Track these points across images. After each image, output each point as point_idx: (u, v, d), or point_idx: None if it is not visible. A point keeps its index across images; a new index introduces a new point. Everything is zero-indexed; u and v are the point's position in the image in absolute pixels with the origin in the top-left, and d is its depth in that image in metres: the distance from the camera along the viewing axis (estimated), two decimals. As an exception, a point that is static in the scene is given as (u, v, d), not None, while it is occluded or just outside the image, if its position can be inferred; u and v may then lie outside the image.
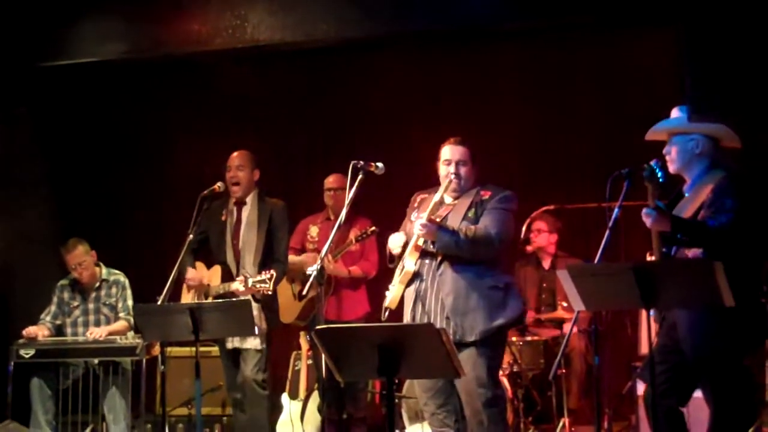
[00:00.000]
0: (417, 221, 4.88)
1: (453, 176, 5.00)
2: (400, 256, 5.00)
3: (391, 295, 4.99)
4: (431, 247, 4.92)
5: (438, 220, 4.92)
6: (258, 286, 5.61)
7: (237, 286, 5.71)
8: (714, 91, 6.54)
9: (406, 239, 5.01)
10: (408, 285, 4.98)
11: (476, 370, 4.84)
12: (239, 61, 7.97)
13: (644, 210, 4.44)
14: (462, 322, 4.85)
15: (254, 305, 5.72)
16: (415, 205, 5.18)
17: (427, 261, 4.95)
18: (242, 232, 5.99)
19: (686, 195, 4.66)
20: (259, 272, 5.76)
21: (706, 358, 4.45)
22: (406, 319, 4.99)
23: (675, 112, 4.78)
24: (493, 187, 5.02)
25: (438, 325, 4.68)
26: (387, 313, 5.02)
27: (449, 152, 5.06)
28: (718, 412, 4.48)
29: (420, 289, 4.95)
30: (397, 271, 5.03)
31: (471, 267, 4.87)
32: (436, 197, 5.01)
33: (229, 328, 5.26)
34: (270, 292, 5.62)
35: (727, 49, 6.56)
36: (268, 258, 5.92)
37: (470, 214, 4.93)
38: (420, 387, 5.10)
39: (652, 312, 4.48)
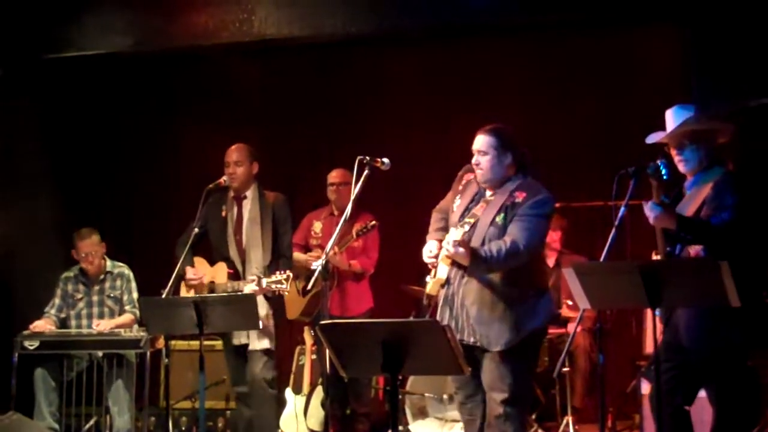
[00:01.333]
0: (449, 237, 4.60)
1: (475, 167, 4.78)
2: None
3: (429, 287, 4.77)
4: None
5: (466, 228, 4.67)
6: (274, 287, 5.56)
7: (250, 287, 5.66)
8: (720, 86, 6.55)
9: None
10: None
11: (500, 369, 4.68)
12: (246, 54, 7.97)
13: (648, 204, 4.43)
14: (487, 333, 4.66)
15: (264, 304, 5.72)
16: (460, 187, 4.93)
17: (455, 267, 4.73)
18: (245, 227, 5.95)
19: (687, 193, 4.65)
20: (268, 269, 5.76)
21: (708, 358, 4.46)
22: None
23: (669, 114, 4.75)
24: (529, 187, 4.71)
25: (465, 333, 4.70)
26: (428, 303, 4.89)
27: (474, 142, 4.81)
28: (721, 413, 4.48)
29: (447, 295, 4.79)
30: (432, 272, 4.80)
31: (498, 277, 4.66)
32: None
33: (233, 322, 5.25)
34: (287, 293, 5.60)
35: (732, 44, 6.56)
36: (274, 254, 5.90)
37: (498, 219, 4.66)
38: (451, 377, 5.06)
39: (657, 311, 4.48)
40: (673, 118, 4.70)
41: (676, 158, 4.63)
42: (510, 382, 4.67)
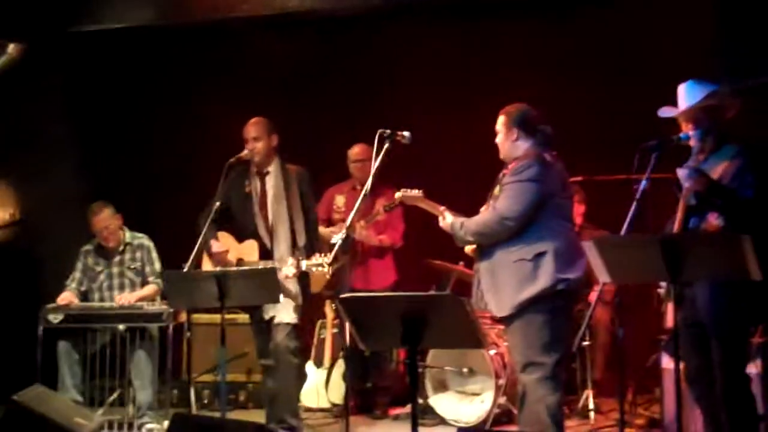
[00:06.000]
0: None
1: None
2: None
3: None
4: None
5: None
6: (315, 269, 5.49)
7: (288, 270, 5.63)
8: (744, 59, 6.48)
9: None
10: None
11: (513, 340, 4.99)
12: (267, 27, 7.94)
13: (682, 170, 4.42)
14: (495, 299, 4.90)
15: (294, 282, 5.72)
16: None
17: None
18: (270, 203, 5.93)
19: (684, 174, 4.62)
20: (304, 250, 5.75)
21: (727, 331, 4.46)
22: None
23: (681, 90, 4.71)
24: (520, 161, 4.93)
25: (482, 302, 4.94)
26: None
27: None
28: (728, 379, 4.48)
29: (477, 268, 5.05)
30: None
31: (500, 243, 4.89)
32: None
33: (254, 296, 5.25)
34: (329, 277, 5.60)
35: (758, 11, 6.48)
36: (308, 233, 5.88)
37: (496, 192, 4.98)
38: None
39: (661, 289, 4.50)
40: (685, 94, 4.67)
41: (689, 133, 4.60)
42: (521, 349, 4.88)
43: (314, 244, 5.86)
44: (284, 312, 5.78)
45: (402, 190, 5.40)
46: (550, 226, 4.85)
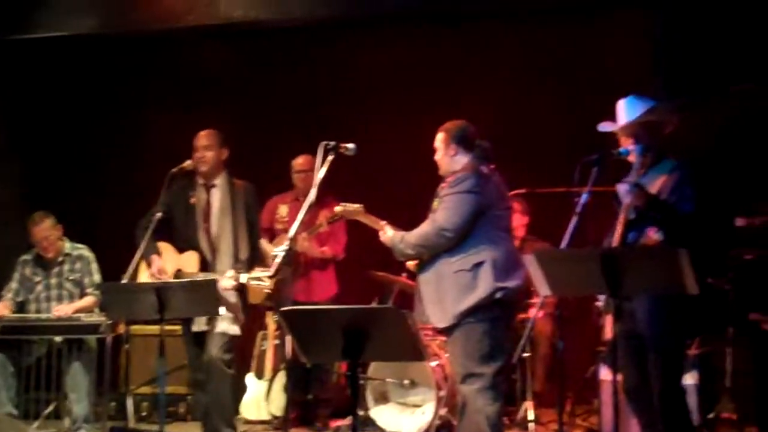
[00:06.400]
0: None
1: None
2: None
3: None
4: None
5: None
6: (255, 283, 5.47)
7: (227, 282, 5.56)
8: (683, 72, 6.61)
9: None
10: None
11: (453, 351, 5.04)
12: (212, 37, 7.90)
13: (623, 185, 4.49)
14: (436, 310, 4.95)
15: (233, 294, 5.66)
16: None
17: None
18: (214, 216, 5.84)
19: (624, 189, 4.69)
20: (247, 263, 5.70)
21: (665, 343, 4.54)
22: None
23: (621, 105, 4.78)
24: (458, 174, 5.02)
25: (424, 315, 4.97)
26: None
27: None
28: (665, 390, 4.54)
29: (419, 280, 5.10)
30: None
31: (439, 255, 4.96)
32: None
33: (194, 308, 5.20)
34: (270, 291, 5.55)
35: (695, 30, 6.62)
36: (252, 247, 5.83)
37: (435, 205, 5.06)
38: None
39: (600, 302, 4.56)
40: (625, 109, 4.74)
41: (629, 149, 4.66)
42: (461, 360, 4.93)
43: (256, 259, 5.82)
44: (224, 323, 5.72)
45: (342, 204, 5.42)
46: (489, 237, 4.93)
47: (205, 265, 5.79)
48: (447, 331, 4.99)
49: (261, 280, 5.43)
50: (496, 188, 5.05)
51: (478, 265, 4.87)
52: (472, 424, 4.87)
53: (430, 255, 4.98)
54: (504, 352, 4.96)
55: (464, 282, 4.86)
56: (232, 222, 5.81)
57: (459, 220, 4.89)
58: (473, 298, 4.83)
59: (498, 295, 4.85)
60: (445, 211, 4.93)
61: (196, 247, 5.85)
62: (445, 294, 4.90)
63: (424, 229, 4.98)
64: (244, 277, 5.54)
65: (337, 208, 5.50)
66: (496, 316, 4.89)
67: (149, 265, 5.83)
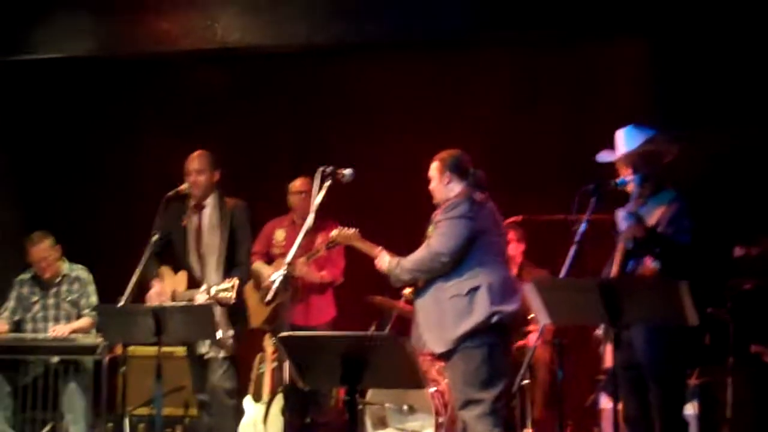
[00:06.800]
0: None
1: None
2: None
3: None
4: None
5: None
6: (220, 295, 5.50)
7: (200, 296, 5.60)
8: (683, 102, 6.63)
9: None
10: None
11: (452, 377, 5.08)
12: (208, 62, 7.92)
13: (622, 212, 4.49)
14: (432, 336, 4.99)
15: (218, 311, 5.65)
16: None
17: None
18: (204, 235, 5.87)
19: (623, 216, 4.69)
20: (224, 278, 5.69)
21: (663, 374, 4.52)
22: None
23: (620, 135, 4.78)
24: (451, 200, 5.07)
25: (423, 340, 5.01)
26: None
27: None
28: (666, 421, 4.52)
29: (415, 307, 5.17)
30: None
31: (435, 280, 4.99)
32: None
33: (191, 332, 5.22)
34: (233, 302, 5.54)
35: (695, 61, 6.65)
36: (231, 261, 5.84)
37: (429, 231, 5.10)
38: None
39: (599, 331, 4.55)
40: (624, 139, 4.74)
41: (627, 179, 4.66)
42: (460, 387, 4.96)
43: (232, 273, 5.77)
44: (212, 346, 5.72)
45: (337, 228, 5.42)
46: (484, 262, 4.97)
47: (192, 284, 5.80)
48: (445, 357, 5.02)
49: (226, 290, 5.46)
50: (491, 214, 5.11)
51: (473, 290, 4.90)
52: None
53: (425, 280, 5.01)
54: (503, 377, 4.97)
55: (460, 307, 4.89)
56: (220, 239, 5.82)
57: (454, 244, 4.93)
58: (470, 322, 4.86)
59: (495, 319, 4.88)
60: (439, 236, 4.97)
61: (187, 267, 5.87)
62: (441, 319, 4.93)
63: (420, 254, 5.02)
64: (213, 290, 5.56)
65: (333, 233, 5.53)
66: (494, 341, 4.91)
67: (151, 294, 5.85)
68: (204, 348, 5.76)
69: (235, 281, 5.52)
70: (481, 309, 4.86)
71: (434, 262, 4.94)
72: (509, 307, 4.93)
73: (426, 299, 5.02)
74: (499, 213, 5.20)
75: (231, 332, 5.77)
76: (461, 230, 4.94)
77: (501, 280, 4.96)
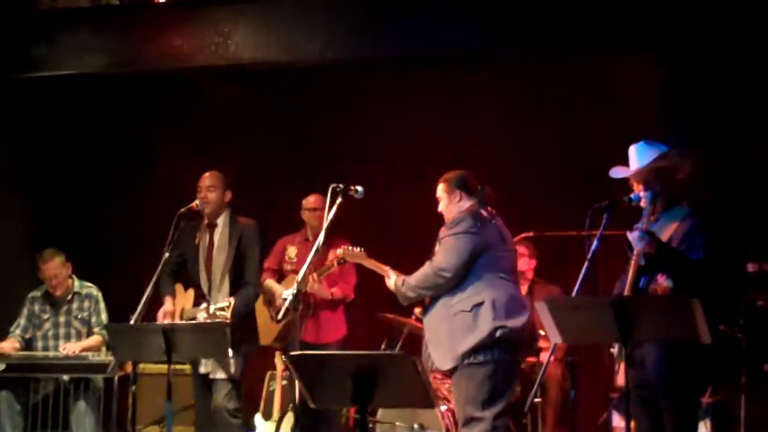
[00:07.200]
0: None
1: None
2: None
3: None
4: None
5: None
6: (218, 314, 5.52)
7: (201, 314, 5.64)
8: (696, 118, 6.61)
9: None
10: None
11: (456, 394, 5.04)
12: (221, 78, 7.94)
13: (635, 232, 4.45)
14: (438, 352, 4.97)
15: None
16: None
17: None
18: (214, 254, 5.88)
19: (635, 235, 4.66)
20: (228, 297, 5.70)
21: (675, 392, 4.47)
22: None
23: (633, 150, 4.75)
24: (455, 217, 5.08)
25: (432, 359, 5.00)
26: None
27: None
28: None
29: (424, 323, 5.16)
30: None
31: (441, 297, 5.00)
32: None
33: (202, 350, 5.20)
34: (228, 320, 5.52)
35: (708, 76, 6.62)
36: (239, 279, 5.83)
37: (436, 249, 5.10)
38: None
39: (614, 350, 4.51)
40: (636, 154, 4.71)
41: (640, 194, 4.64)
42: (461, 404, 4.95)
43: (238, 287, 5.78)
44: (216, 366, 5.70)
45: (343, 247, 5.43)
46: (488, 278, 4.95)
47: (198, 302, 5.80)
48: (451, 373, 5.00)
49: (222, 310, 5.49)
50: (497, 230, 5.08)
51: (478, 305, 4.89)
52: None
53: (431, 297, 5.01)
54: (505, 395, 4.95)
55: (465, 323, 4.88)
56: (226, 258, 5.84)
57: (457, 260, 4.93)
58: (474, 338, 4.85)
59: (498, 333, 4.85)
60: (443, 253, 4.98)
61: (197, 284, 5.89)
62: (446, 336, 4.93)
63: (424, 271, 5.03)
64: (212, 308, 5.58)
65: (339, 251, 5.52)
66: (499, 358, 4.88)
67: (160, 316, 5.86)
68: (204, 368, 5.74)
69: (231, 301, 5.54)
70: (484, 324, 4.85)
71: (438, 278, 4.94)
72: (514, 323, 4.89)
73: (433, 316, 5.01)
74: (506, 229, 5.18)
75: (231, 353, 5.74)
76: (464, 246, 4.94)
77: (506, 296, 4.94)
